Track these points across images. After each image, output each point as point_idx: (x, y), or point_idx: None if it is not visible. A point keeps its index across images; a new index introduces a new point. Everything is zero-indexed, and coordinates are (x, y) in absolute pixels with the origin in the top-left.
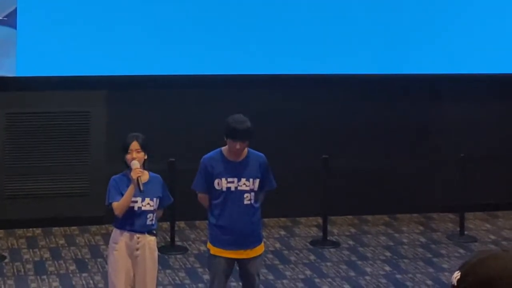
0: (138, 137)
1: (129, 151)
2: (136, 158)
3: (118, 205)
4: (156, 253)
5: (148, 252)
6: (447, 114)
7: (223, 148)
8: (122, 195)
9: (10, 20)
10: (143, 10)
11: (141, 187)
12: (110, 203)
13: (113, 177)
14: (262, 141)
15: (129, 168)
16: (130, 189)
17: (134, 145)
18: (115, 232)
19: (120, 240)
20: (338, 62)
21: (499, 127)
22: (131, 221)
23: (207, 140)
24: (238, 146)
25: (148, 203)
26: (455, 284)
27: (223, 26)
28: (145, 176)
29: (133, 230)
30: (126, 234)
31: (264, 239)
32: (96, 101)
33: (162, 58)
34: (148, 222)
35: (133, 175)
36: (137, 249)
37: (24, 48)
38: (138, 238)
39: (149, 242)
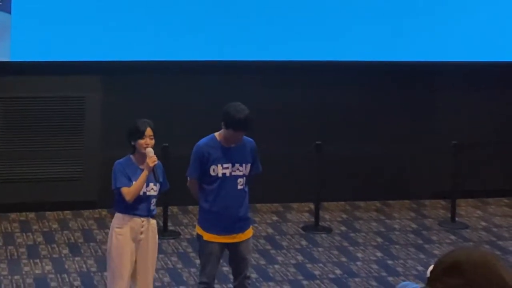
0: (150, 123)
1: (143, 136)
2: (149, 144)
3: (130, 191)
4: (157, 236)
5: (151, 235)
6: (440, 101)
7: (216, 133)
8: (129, 179)
9: (5, 5)
10: None
11: (157, 177)
12: (118, 188)
13: (118, 161)
14: (256, 127)
15: (135, 152)
16: (144, 176)
17: (149, 131)
18: (119, 216)
19: (124, 224)
20: (332, 48)
21: (492, 114)
22: (136, 205)
23: (200, 125)
24: (240, 136)
25: (152, 188)
26: (428, 275)
27: (218, 12)
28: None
29: (138, 215)
30: (131, 219)
31: (256, 224)
32: (91, 86)
33: (157, 43)
34: (152, 207)
35: (150, 163)
36: (141, 233)
37: (18, 33)
38: (142, 222)
39: (152, 225)
